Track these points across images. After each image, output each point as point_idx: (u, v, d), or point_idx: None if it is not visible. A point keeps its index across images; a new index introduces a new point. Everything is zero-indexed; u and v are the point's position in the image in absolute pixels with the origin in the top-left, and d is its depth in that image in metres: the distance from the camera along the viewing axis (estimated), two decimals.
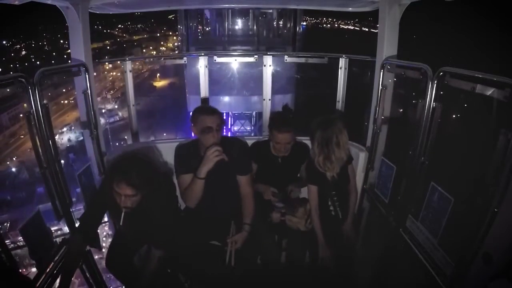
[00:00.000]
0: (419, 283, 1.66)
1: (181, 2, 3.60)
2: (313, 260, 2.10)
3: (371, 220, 2.29)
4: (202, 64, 2.65)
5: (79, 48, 2.08)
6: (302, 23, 5.94)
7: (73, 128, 23.34)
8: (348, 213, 2.13)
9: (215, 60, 2.72)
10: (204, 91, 2.71)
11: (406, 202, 1.81)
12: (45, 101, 1.63)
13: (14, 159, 20.62)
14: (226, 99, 4.37)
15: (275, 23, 6.04)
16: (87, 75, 2.08)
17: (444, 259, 1.47)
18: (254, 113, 4.38)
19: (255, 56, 2.74)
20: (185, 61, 2.82)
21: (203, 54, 2.68)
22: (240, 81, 4.08)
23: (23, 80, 1.51)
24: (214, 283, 1.94)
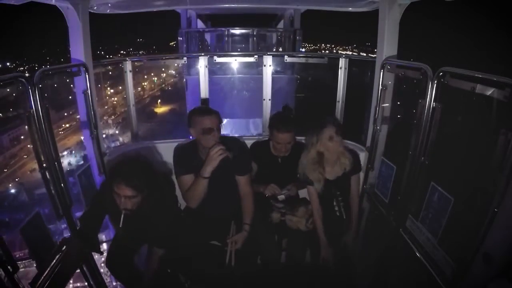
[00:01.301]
0: (419, 283, 1.66)
1: (181, 2, 3.60)
2: (313, 260, 2.10)
3: (371, 220, 2.29)
4: (202, 64, 2.65)
5: (79, 48, 2.08)
6: (301, 49, 5.95)
7: (73, 152, 23.25)
8: (351, 223, 2.08)
9: (215, 60, 2.72)
10: (204, 92, 2.71)
11: (406, 202, 1.81)
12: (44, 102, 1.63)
13: (16, 180, 20.48)
14: (225, 122, 4.34)
15: (274, 48, 6.05)
16: (87, 75, 2.07)
17: (444, 259, 1.47)
18: (254, 133, 4.41)
19: (255, 56, 2.74)
20: (185, 61, 2.82)
21: (203, 54, 2.68)
22: (239, 104, 4.05)
23: (23, 80, 1.51)
24: (214, 283, 1.94)
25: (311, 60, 2.73)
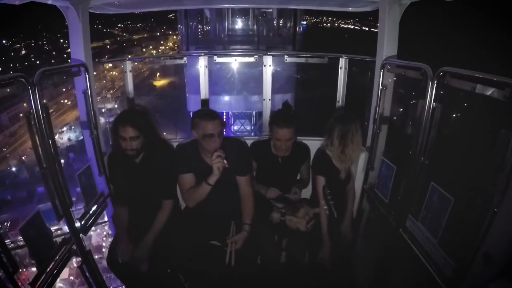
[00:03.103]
0: (419, 283, 1.66)
1: (181, 2, 3.60)
2: (313, 260, 2.10)
3: (371, 220, 2.29)
4: (202, 64, 2.64)
5: (79, 48, 2.08)
6: (302, 22, 5.92)
7: (73, 127, 23.30)
8: (346, 213, 2.16)
9: (215, 60, 2.72)
10: (204, 91, 2.70)
11: (406, 202, 1.81)
12: (45, 101, 1.63)
13: (14, 158, 20.56)
14: (226, 98, 4.33)
15: (275, 22, 6.03)
16: (87, 75, 2.07)
17: (444, 259, 1.47)
18: (254, 113, 4.37)
19: (255, 56, 2.74)
20: (185, 61, 2.82)
21: (203, 54, 2.68)
22: (240, 81, 4.06)
23: (23, 80, 1.51)
24: (214, 283, 1.94)
25: (311, 60, 2.73)
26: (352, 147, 1.97)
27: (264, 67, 2.66)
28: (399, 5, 2.05)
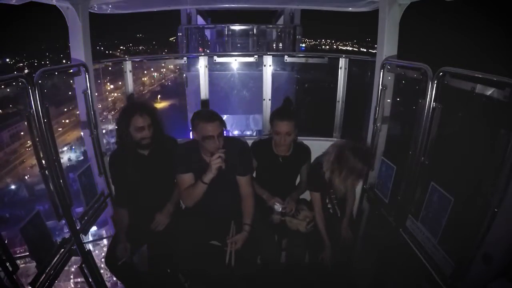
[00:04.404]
0: (419, 283, 1.66)
1: (181, 2, 3.60)
2: (313, 260, 2.10)
3: (371, 220, 2.29)
4: (202, 64, 2.65)
5: (79, 48, 2.08)
6: (301, 44, 5.95)
7: (73, 147, 23.29)
8: (344, 216, 2.16)
9: (215, 60, 2.72)
10: (204, 92, 2.70)
11: (406, 202, 1.81)
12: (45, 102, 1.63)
13: (14, 176, 20.36)
14: (225, 118, 4.28)
15: (274, 44, 6.05)
16: (87, 75, 2.08)
17: (444, 259, 1.47)
18: (255, 133, 4.38)
19: (255, 56, 2.74)
20: (185, 61, 2.82)
21: (203, 54, 2.68)
22: (239, 102, 4.04)
23: (23, 80, 1.51)
24: (214, 283, 1.94)
25: (311, 60, 2.72)
26: (350, 180, 1.89)
27: (264, 67, 2.66)
28: (399, 5, 2.05)
